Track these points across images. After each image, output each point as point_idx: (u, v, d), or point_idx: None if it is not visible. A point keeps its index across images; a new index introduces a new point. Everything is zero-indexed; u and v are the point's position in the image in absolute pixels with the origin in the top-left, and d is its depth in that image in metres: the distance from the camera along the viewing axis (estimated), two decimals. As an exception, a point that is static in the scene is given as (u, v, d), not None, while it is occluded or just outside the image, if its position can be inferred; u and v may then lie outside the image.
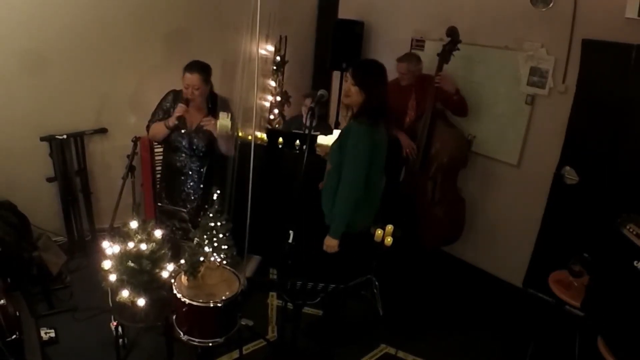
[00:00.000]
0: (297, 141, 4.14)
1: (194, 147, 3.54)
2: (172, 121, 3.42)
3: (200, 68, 3.40)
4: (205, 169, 3.64)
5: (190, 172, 3.63)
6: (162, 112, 3.55)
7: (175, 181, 3.67)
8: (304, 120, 4.49)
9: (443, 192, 4.21)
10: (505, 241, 4.44)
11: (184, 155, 3.58)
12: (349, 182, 3.00)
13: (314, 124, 2.96)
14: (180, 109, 3.38)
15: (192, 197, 3.68)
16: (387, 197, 4.68)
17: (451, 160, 4.12)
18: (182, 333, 2.76)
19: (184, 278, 2.80)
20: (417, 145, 4.16)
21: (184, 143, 3.53)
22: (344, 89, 3.11)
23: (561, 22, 3.73)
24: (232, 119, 3.54)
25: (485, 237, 4.58)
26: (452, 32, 3.92)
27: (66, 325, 3.42)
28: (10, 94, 3.84)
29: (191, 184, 3.65)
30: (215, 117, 3.51)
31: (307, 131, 2.86)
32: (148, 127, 3.60)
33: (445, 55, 3.96)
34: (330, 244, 3.11)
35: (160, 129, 3.50)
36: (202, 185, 3.65)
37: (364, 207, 3.11)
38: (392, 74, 4.27)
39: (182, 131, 3.49)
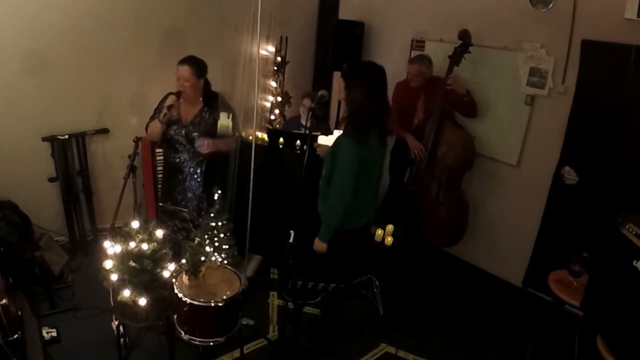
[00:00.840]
0: (298, 141, 4.16)
1: (190, 140, 3.57)
2: (162, 114, 3.46)
3: (191, 61, 3.45)
4: (204, 166, 3.67)
5: (190, 170, 3.66)
6: (159, 113, 3.59)
7: (176, 180, 3.70)
8: (302, 121, 4.52)
9: (447, 193, 4.24)
10: (505, 241, 4.46)
11: (183, 152, 3.62)
12: (335, 194, 3.00)
13: (313, 124, 2.97)
14: (170, 99, 3.43)
15: (192, 196, 3.70)
16: (391, 196, 4.74)
17: (457, 162, 4.15)
18: (183, 332, 2.77)
19: (185, 278, 2.81)
20: (423, 145, 4.19)
21: (181, 138, 3.57)
22: (338, 86, 3.11)
23: (561, 22, 3.74)
24: (233, 119, 3.57)
25: (485, 237, 4.60)
26: (465, 35, 3.97)
27: (68, 325, 3.44)
28: (13, 94, 3.86)
29: (191, 182, 3.68)
30: (212, 111, 3.57)
31: (307, 131, 2.87)
32: (147, 128, 3.66)
33: (456, 58, 4.00)
34: (319, 247, 3.12)
35: (155, 126, 3.55)
36: (201, 183, 3.68)
37: (354, 209, 3.09)
38: (395, 75, 4.31)
39: (178, 126, 3.53)
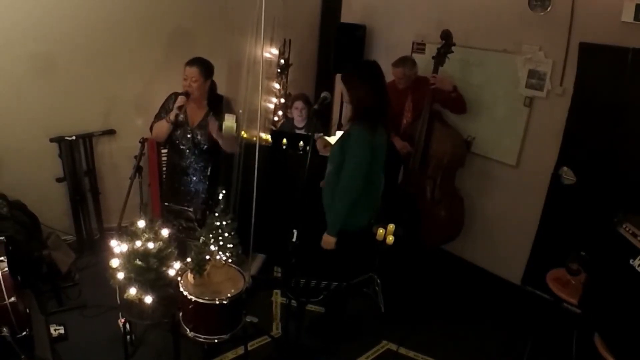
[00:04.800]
0: (301, 142, 4.19)
1: (196, 143, 3.59)
2: (172, 114, 3.46)
3: (199, 62, 3.46)
4: (209, 168, 3.69)
5: (194, 172, 3.68)
6: (164, 112, 3.60)
7: (180, 181, 3.72)
8: (296, 123, 4.55)
9: (442, 192, 4.27)
10: (504, 240, 4.49)
11: (188, 154, 3.63)
12: (346, 184, 3.04)
13: (314, 124, 3.01)
14: (180, 99, 3.43)
15: (197, 196, 3.73)
16: (387, 196, 4.76)
17: (449, 160, 4.19)
18: (188, 330, 2.80)
19: (190, 276, 2.84)
20: (415, 145, 4.22)
21: (186, 141, 3.59)
22: (341, 91, 3.18)
23: (559, 25, 3.77)
24: (236, 121, 3.60)
25: (484, 236, 4.63)
26: (446, 36, 4.00)
27: (75, 322, 3.48)
28: (21, 96, 3.90)
29: (196, 183, 3.71)
30: (218, 115, 3.57)
31: (311, 132, 2.91)
32: (152, 128, 3.66)
33: (440, 58, 4.04)
34: (328, 240, 3.15)
35: (162, 126, 3.55)
36: (206, 185, 3.70)
37: (362, 206, 3.16)
38: (390, 76, 4.35)
39: (184, 129, 3.56)
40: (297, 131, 4.48)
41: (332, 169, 3.18)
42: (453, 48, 4.02)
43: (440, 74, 4.07)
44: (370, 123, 3.01)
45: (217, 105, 3.62)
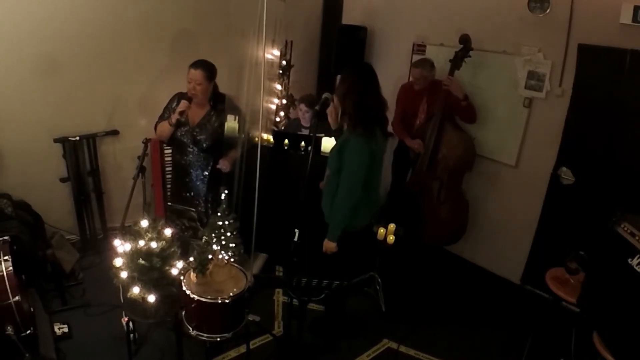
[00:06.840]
0: (302, 142, 4.22)
1: (197, 142, 3.63)
2: (174, 118, 3.52)
3: (203, 65, 3.51)
4: (210, 167, 3.73)
5: (196, 171, 3.72)
6: (168, 112, 3.66)
7: (183, 180, 3.77)
8: (303, 123, 4.58)
9: (448, 193, 4.29)
10: (503, 239, 4.51)
11: (190, 153, 3.68)
12: (346, 192, 3.06)
13: (317, 125, 3.04)
14: (182, 104, 3.49)
15: (199, 196, 3.77)
16: (393, 196, 4.77)
17: (457, 163, 4.21)
18: (191, 328, 2.83)
19: (193, 275, 2.87)
20: (424, 147, 4.25)
21: (188, 139, 3.63)
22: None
23: (558, 27, 3.79)
24: (239, 120, 3.64)
25: (484, 236, 4.65)
26: (465, 40, 4.02)
27: (79, 321, 3.50)
28: (25, 97, 3.93)
29: (198, 183, 3.74)
30: (218, 114, 3.63)
31: (312, 133, 2.92)
32: (156, 127, 3.73)
33: (457, 62, 4.06)
34: (329, 246, 3.17)
35: (165, 127, 3.62)
36: (207, 184, 3.75)
37: (362, 209, 3.18)
38: (396, 78, 4.37)
39: (185, 128, 3.60)
40: (304, 130, 4.51)
41: (329, 173, 3.21)
42: (470, 52, 4.05)
43: (454, 77, 4.08)
44: (368, 129, 3.01)
45: (219, 104, 3.67)
